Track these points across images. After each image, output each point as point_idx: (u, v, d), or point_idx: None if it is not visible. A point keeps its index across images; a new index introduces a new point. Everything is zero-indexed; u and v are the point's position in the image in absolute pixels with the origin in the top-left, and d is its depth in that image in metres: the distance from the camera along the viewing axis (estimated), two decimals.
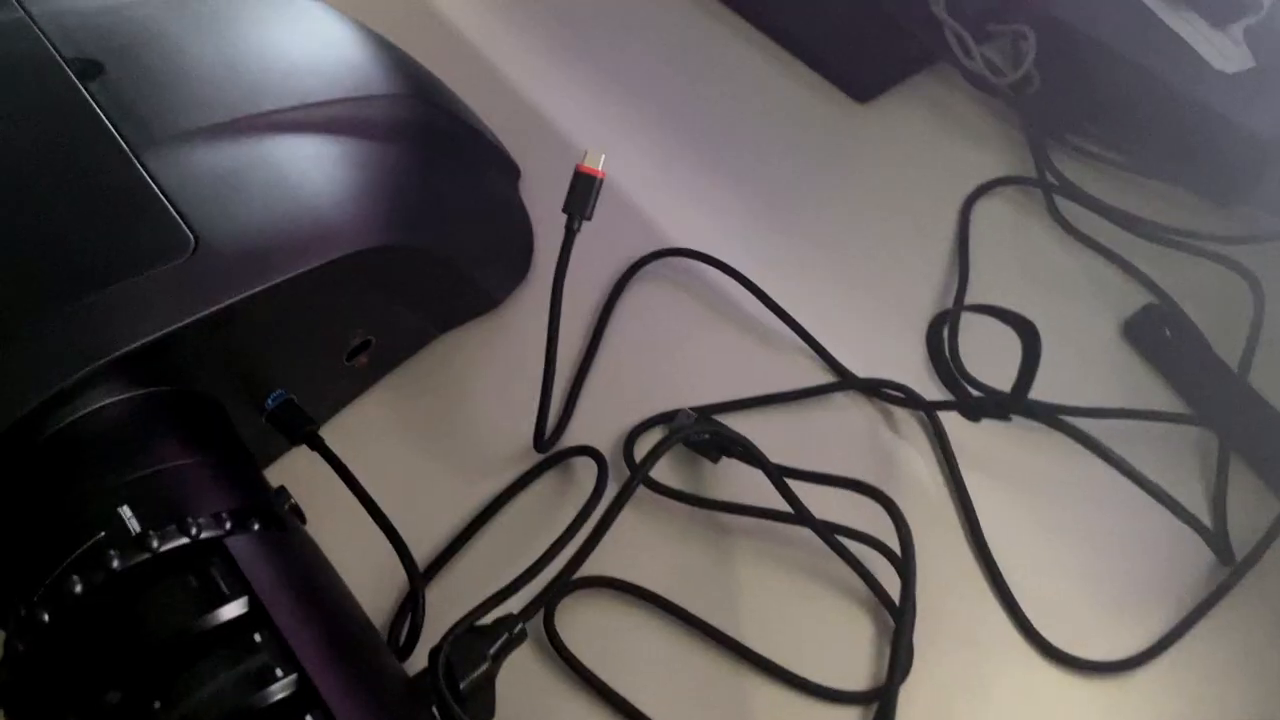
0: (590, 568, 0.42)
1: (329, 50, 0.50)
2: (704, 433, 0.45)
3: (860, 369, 0.49)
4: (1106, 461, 0.41)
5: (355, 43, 0.51)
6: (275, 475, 0.41)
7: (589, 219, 0.46)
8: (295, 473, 0.43)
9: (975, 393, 0.44)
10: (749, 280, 0.51)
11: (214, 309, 0.37)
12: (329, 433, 0.43)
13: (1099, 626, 0.43)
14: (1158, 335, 0.50)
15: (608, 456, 0.46)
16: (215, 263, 0.38)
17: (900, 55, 0.63)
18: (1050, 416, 0.44)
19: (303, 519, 0.39)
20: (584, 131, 0.59)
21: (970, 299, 0.52)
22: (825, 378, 0.49)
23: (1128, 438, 0.46)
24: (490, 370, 0.50)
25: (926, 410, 0.47)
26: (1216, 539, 0.44)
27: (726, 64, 0.63)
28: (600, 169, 0.45)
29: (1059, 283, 0.53)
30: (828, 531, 0.43)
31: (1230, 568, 0.44)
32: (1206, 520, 0.45)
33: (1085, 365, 0.50)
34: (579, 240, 0.46)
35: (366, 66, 0.50)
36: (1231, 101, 0.55)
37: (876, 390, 0.48)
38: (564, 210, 0.46)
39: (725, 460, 0.46)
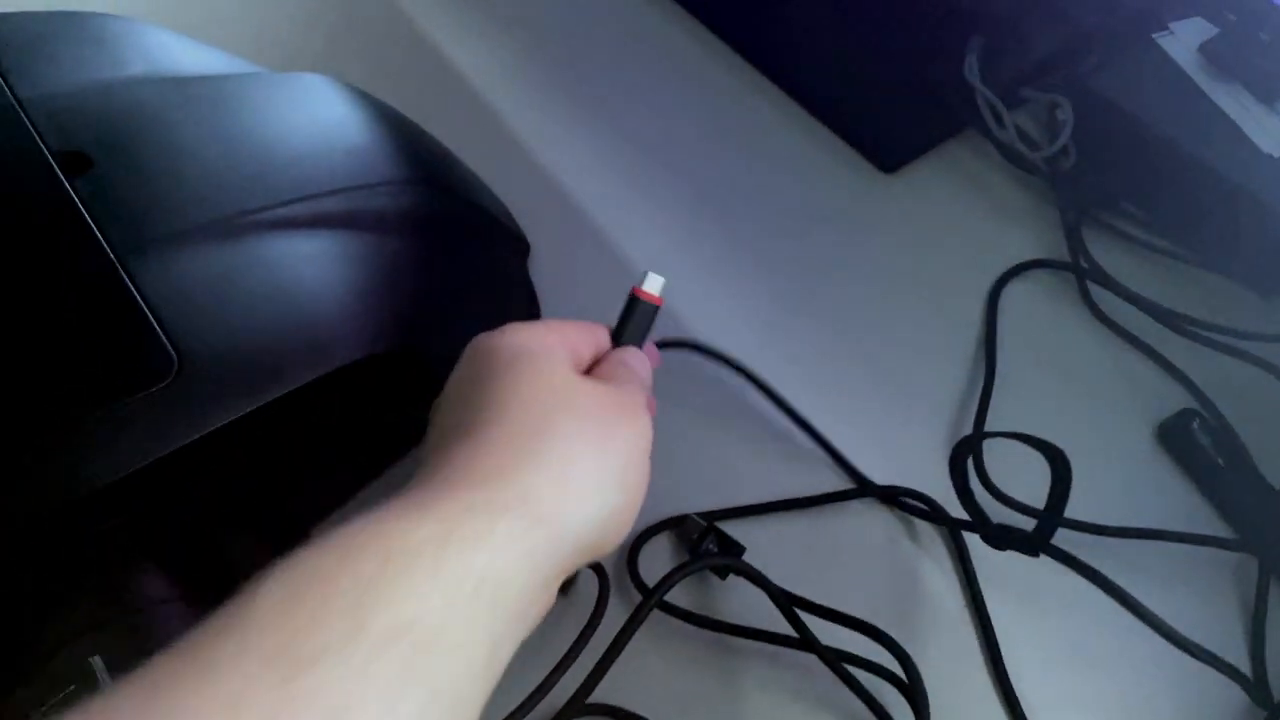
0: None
1: (335, 132, 0.48)
2: (720, 562, 0.43)
3: (879, 473, 0.47)
4: (1136, 615, 0.38)
5: (363, 123, 0.49)
6: None
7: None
8: None
9: (1005, 512, 0.42)
10: (760, 380, 0.49)
11: (195, 436, 0.35)
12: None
13: None
14: (1194, 443, 0.48)
15: (609, 564, 0.44)
16: (200, 385, 0.36)
17: (929, 123, 0.60)
18: (1078, 563, 0.40)
19: None
20: (598, 198, 0.57)
21: (998, 395, 0.49)
22: (842, 483, 0.47)
23: (1162, 557, 0.44)
24: None
25: (950, 526, 0.45)
26: (1255, 686, 0.41)
27: (748, 127, 0.60)
28: (659, 295, 0.39)
29: (1091, 379, 0.51)
30: (836, 660, 0.41)
31: (1267, 713, 0.41)
32: (1244, 655, 0.43)
33: (1117, 473, 0.48)
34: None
35: (374, 150, 0.48)
36: (1277, 188, 0.52)
37: (896, 499, 0.46)
38: (614, 342, 0.38)
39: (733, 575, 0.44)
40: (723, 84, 0.62)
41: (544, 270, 0.54)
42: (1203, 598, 0.44)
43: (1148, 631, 0.38)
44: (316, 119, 0.48)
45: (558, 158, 0.59)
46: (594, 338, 0.37)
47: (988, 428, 0.48)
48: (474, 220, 0.51)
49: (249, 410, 0.36)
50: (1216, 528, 0.46)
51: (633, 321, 0.39)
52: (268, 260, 0.41)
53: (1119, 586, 0.37)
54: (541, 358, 0.33)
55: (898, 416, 0.49)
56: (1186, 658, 0.40)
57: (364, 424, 0.43)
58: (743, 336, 0.52)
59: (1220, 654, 0.38)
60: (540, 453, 0.30)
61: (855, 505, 0.47)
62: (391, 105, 0.53)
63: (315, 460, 0.43)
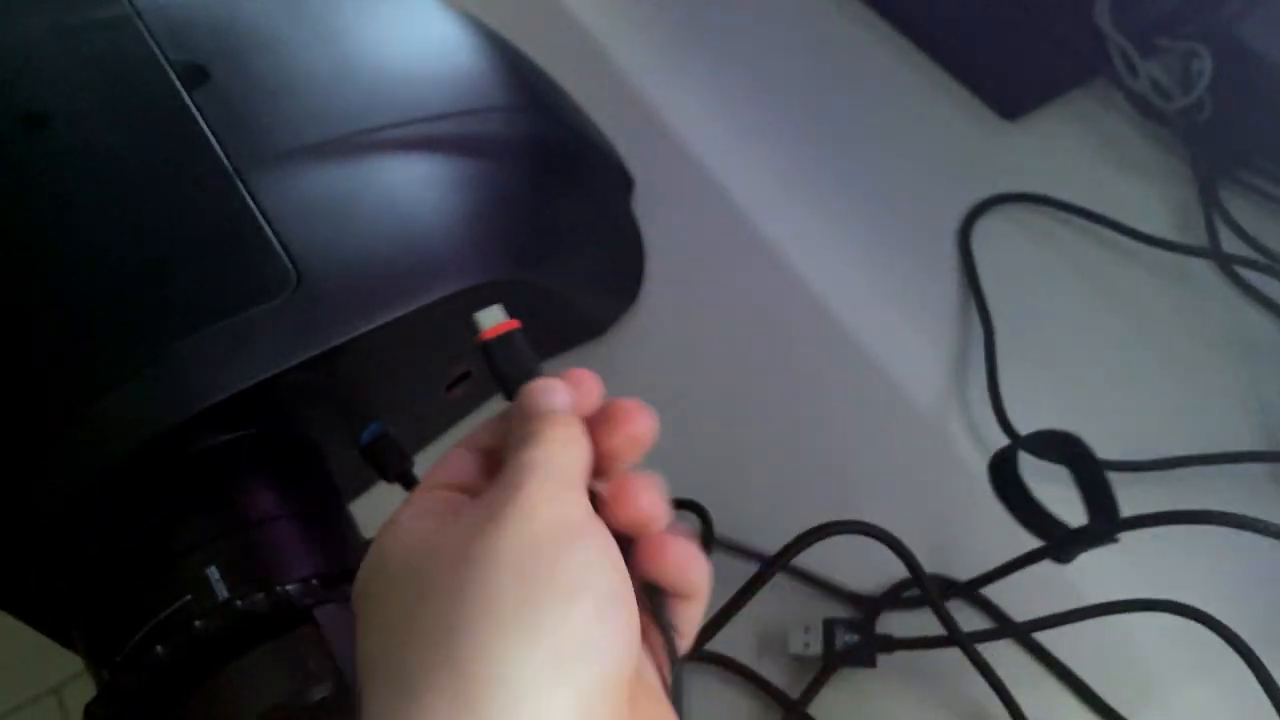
0: None
1: (445, 56, 0.46)
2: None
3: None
4: (1232, 525, 0.34)
5: (472, 47, 0.48)
6: (363, 509, 0.39)
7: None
8: (385, 509, 0.41)
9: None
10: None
11: (315, 352, 0.35)
12: (419, 466, 0.41)
13: None
14: None
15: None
16: (319, 302, 0.36)
17: (1056, 70, 0.57)
18: (1158, 516, 0.36)
19: None
20: (705, 135, 0.56)
21: (1116, 356, 0.47)
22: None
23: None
24: None
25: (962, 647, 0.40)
26: None
27: (866, 70, 0.58)
28: (507, 321, 0.31)
29: (1222, 344, 0.48)
30: None
31: None
32: None
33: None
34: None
35: (483, 75, 0.47)
36: None
37: None
38: (505, 396, 0.29)
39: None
40: (841, 26, 0.60)
41: (647, 208, 0.53)
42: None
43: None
44: (428, 42, 0.47)
45: (665, 93, 0.57)
46: (486, 437, 0.29)
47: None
48: (580, 152, 0.49)
49: (366, 329, 0.36)
50: None
51: (506, 367, 0.30)
52: (382, 180, 0.40)
53: (1213, 510, 0.34)
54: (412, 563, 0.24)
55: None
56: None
57: (466, 355, 0.43)
58: (850, 282, 0.50)
59: None
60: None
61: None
62: (496, 31, 0.51)
63: (422, 386, 0.42)
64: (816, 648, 0.41)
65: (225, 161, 0.38)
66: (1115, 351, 0.48)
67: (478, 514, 0.24)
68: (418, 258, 0.39)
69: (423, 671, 0.22)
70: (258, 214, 0.37)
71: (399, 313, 0.36)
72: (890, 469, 0.45)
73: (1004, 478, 0.37)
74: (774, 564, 0.38)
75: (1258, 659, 0.35)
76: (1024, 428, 0.45)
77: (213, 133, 0.39)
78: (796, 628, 0.41)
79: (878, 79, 0.58)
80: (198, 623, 0.31)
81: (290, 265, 0.36)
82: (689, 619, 0.26)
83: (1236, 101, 0.54)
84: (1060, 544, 0.37)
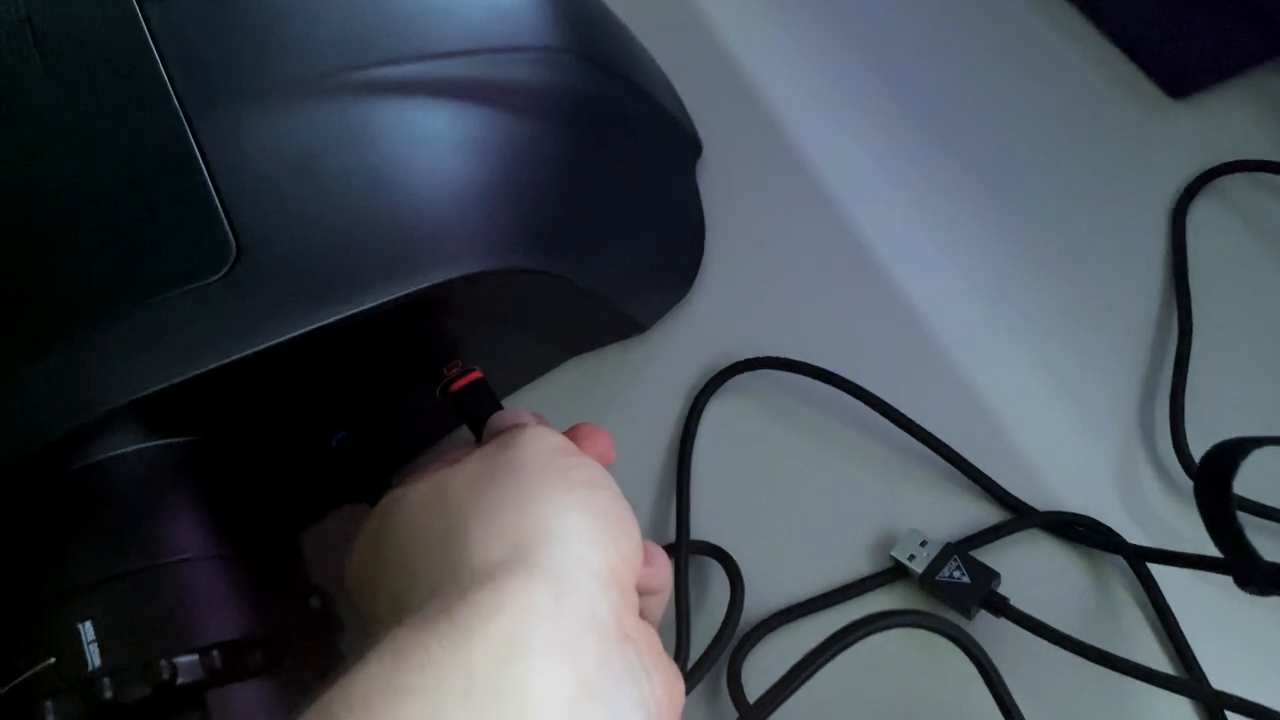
0: None
1: None
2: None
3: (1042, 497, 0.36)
4: None
5: None
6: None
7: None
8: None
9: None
10: (877, 399, 0.37)
11: (247, 351, 0.27)
12: None
13: None
14: None
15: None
16: (259, 285, 0.28)
17: (1237, 43, 0.46)
18: None
19: (338, 627, 0.30)
20: (792, 101, 0.46)
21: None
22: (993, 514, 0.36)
23: None
24: (621, 409, 0.39)
25: (1130, 558, 0.34)
26: None
27: (1002, 32, 0.48)
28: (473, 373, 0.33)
29: None
30: None
31: None
32: None
33: None
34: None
35: (521, 7, 0.38)
36: None
37: (1068, 530, 0.35)
38: (478, 440, 0.31)
39: None
40: None
41: (714, 179, 0.44)
42: None
43: None
44: None
45: (752, 46, 0.48)
46: None
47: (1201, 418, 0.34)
48: (639, 109, 0.41)
49: (319, 324, 0.28)
50: None
51: (476, 412, 0.32)
52: (369, 133, 0.32)
53: None
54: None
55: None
56: None
57: (469, 345, 0.35)
58: (955, 286, 0.41)
59: None
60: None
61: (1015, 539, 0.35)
62: None
63: (401, 396, 0.34)
64: (920, 565, 0.34)
65: (174, 97, 0.30)
66: None
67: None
68: (401, 235, 0.30)
69: (474, 546, 0.24)
70: (201, 166, 0.29)
71: (365, 306, 0.28)
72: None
73: (1222, 476, 0.28)
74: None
75: None
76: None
77: (163, 60, 0.31)
78: (914, 536, 0.34)
79: (1018, 42, 0.47)
80: (48, 703, 0.24)
81: (231, 235, 0.28)
82: (650, 613, 0.29)
83: None
84: (1264, 572, 0.28)
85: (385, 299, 0.29)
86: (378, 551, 0.26)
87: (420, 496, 0.26)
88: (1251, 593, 0.29)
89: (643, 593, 0.27)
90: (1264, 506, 0.34)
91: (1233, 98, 0.45)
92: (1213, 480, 0.28)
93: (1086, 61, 0.46)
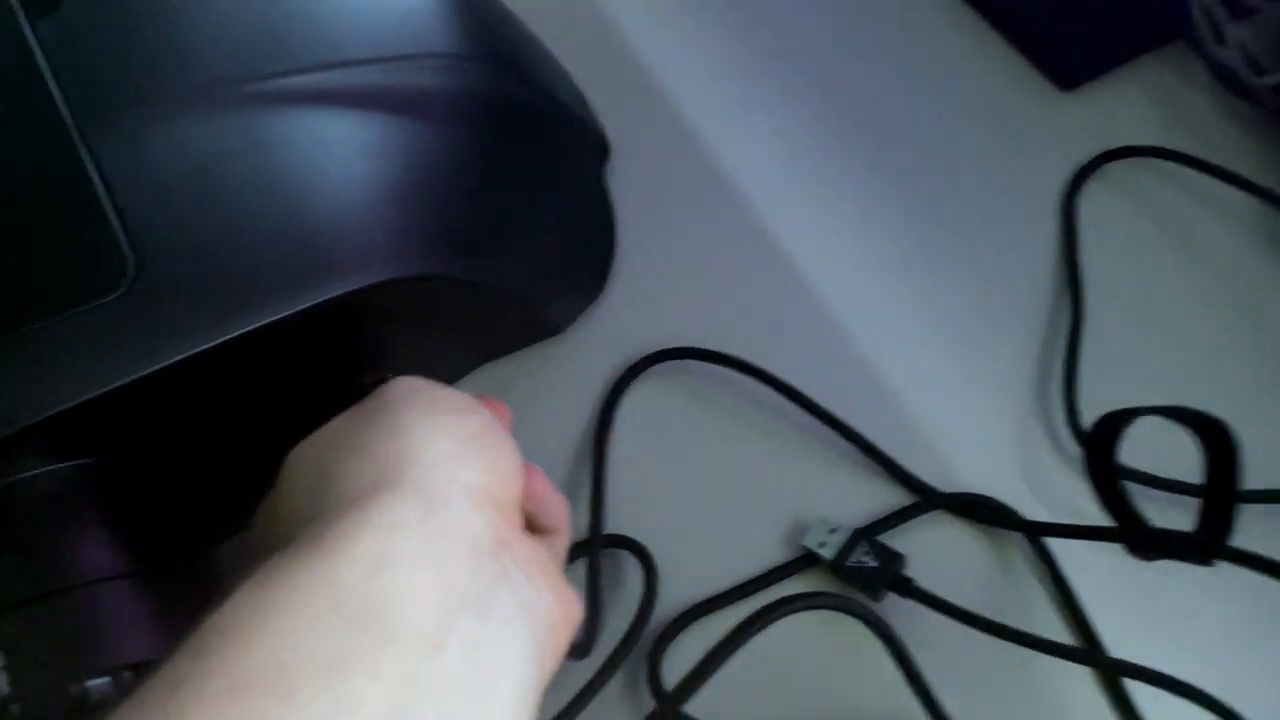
0: None
1: None
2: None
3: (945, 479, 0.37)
4: None
5: None
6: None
7: None
8: None
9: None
10: (781, 382, 0.39)
11: (150, 369, 0.27)
12: None
13: None
14: None
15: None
16: (160, 301, 0.28)
17: (1126, 33, 0.48)
18: (1267, 562, 0.30)
19: None
20: (701, 98, 0.47)
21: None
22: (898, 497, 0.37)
23: None
24: (539, 409, 0.39)
25: (1029, 534, 0.36)
26: None
27: (897, 29, 0.49)
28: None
29: None
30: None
31: None
32: None
33: None
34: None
35: (425, 14, 0.38)
36: None
37: (969, 510, 0.37)
38: None
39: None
40: None
41: (624, 180, 0.44)
42: None
43: None
44: None
45: (660, 47, 0.48)
46: None
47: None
48: (544, 113, 0.41)
49: (223, 339, 0.28)
50: None
51: None
52: (271, 142, 0.32)
53: None
54: None
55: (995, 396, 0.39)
56: None
57: (381, 353, 0.35)
58: (859, 273, 0.42)
59: None
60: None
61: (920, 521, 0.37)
62: None
63: (314, 407, 0.34)
64: (830, 552, 0.35)
65: (62, 108, 0.30)
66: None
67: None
68: (307, 245, 0.30)
69: (344, 480, 0.24)
70: (95, 179, 0.29)
71: (270, 318, 0.29)
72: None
73: (1105, 446, 0.30)
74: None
75: None
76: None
77: (53, 72, 0.31)
78: (824, 524, 0.36)
79: (912, 39, 0.49)
80: None
81: (129, 251, 0.28)
82: (553, 552, 0.29)
83: None
84: (1150, 538, 0.30)
85: (291, 310, 0.29)
86: (271, 516, 0.27)
87: (300, 452, 0.27)
88: (1141, 559, 0.30)
89: (538, 529, 0.28)
90: (1153, 476, 0.36)
91: (1118, 88, 0.47)
92: (1098, 451, 0.30)
93: (981, 58, 0.48)
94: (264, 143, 0.31)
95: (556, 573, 0.26)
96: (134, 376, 0.27)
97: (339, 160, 0.33)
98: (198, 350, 0.27)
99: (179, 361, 0.27)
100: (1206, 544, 0.29)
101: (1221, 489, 0.29)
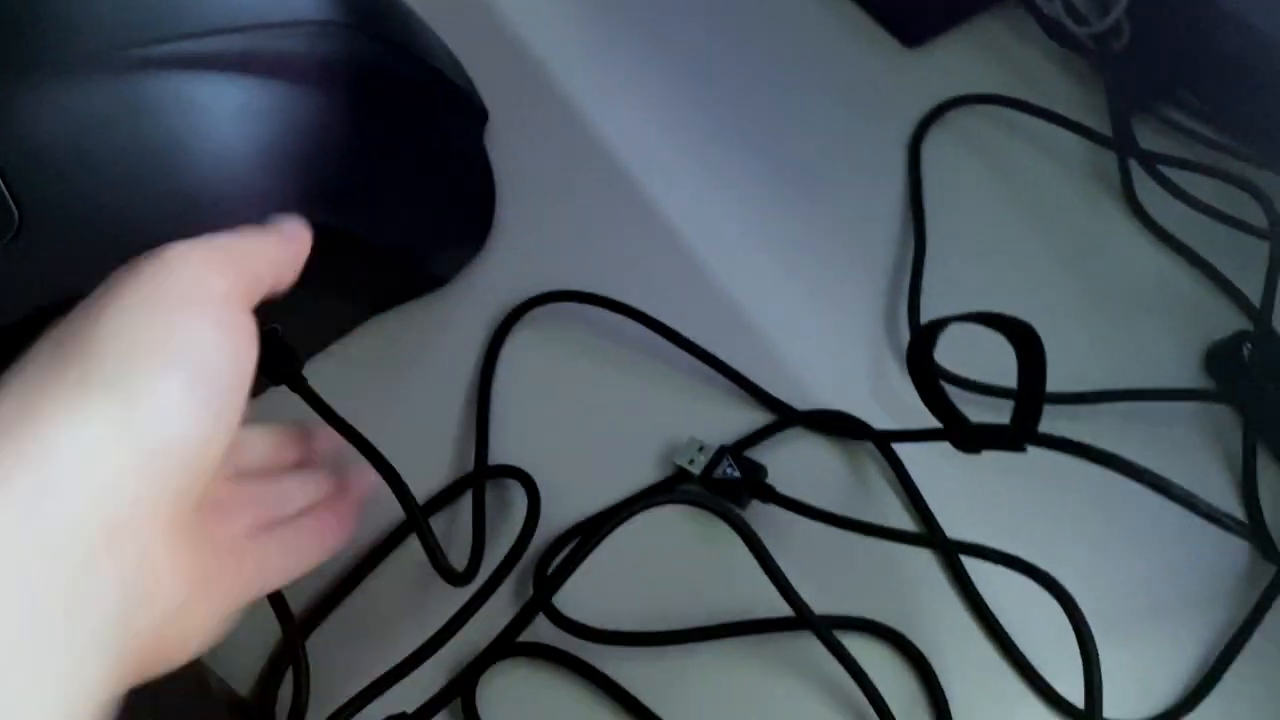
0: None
1: None
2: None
3: (804, 398, 0.41)
4: (1138, 480, 0.32)
5: None
6: None
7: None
8: None
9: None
10: (650, 317, 0.42)
11: (36, 307, 0.29)
12: None
13: (1135, 682, 0.36)
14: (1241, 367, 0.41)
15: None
16: (44, 250, 0.30)
17: None
18: (1071, 444, 0.34)
19: None
20: (570, 62, 0.50)
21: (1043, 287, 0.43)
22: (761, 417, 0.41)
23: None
24: (427, 357, 0.41)
25: (876, 441, 0.39)
26: (1257, 538, 0.37)
27: None
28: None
29: (1130, 292, 0.44)
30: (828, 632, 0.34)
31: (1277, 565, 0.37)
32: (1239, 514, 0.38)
33: (1163, 417, 0.41)
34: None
35: None
36: None
37: (824, 424, 0.40)
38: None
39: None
40: None
41: (503, 143, 0.47)
42: (1188, 458, 0.39)
43: (1126, 501, 0.32)
44: None
45: (531, 16, 0.51)
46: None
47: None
48: (420, 78, 0.43)
49: None
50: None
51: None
52: (151, 107, 0.33)
53: (1114, 454, 0.31)
54: None
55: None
56: (1182, 523, 0.34)
57: (271, 318, 0.37)
58: (721, 217, 0.45)
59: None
60: None
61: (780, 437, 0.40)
62: None
63: None
64: (698, 468, 0.38)
65: None
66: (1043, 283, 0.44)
67: None
68: (189, 203, 0.32)
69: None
70: None
71: None
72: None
73: (923, 352, 0.33)
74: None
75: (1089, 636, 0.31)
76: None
77: None
78: (693, 444, 0.39)
79: (768, 7, 0.52)
80: None
81: (12, 204, 0.30)
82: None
83: (1156, 27, 0.49)
84: (972, 433, 0.33)
85: None
86: None
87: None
88: (966, 452, 0.34)
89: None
90: (972, 381, 0.40)
91: (958, 44, 0.51)
92: (919, 356, 0.33)
93: (834, 19, 0.51)
94: (141, 109, 0.33)
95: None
96: (17, 318, 0.28)
97: (215, 124, 0.35)
98: (77, 293, 0.29)
99: (60, 303, 0.29)
100: (1018, 432, 0.32)
101: (1031, 383, 0.32)
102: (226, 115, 0.35)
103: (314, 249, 0.36)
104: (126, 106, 0.33)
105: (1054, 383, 0.31)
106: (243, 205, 0.34)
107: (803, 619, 0.34)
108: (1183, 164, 0.45)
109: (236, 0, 0.37)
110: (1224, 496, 0.39)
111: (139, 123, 0.33)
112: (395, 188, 0.40)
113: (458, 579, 0.34)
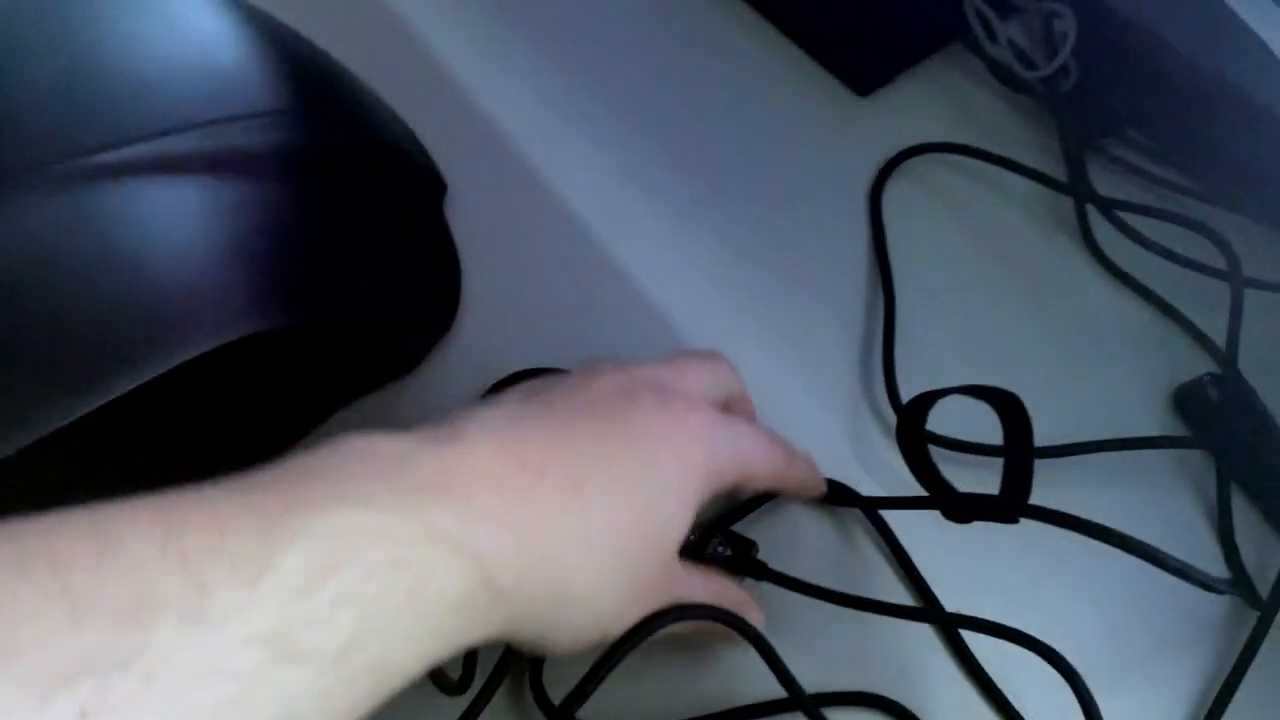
0: None
1: (195, 52, 0.38)
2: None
3: None
4: (1127, 550, 0.32)
5: (232, 38, 0.40)
6: None
7: None
8: None
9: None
10: None
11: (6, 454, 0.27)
12: None
13: None
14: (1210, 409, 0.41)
15: None
16: (5, 385, 0.28)
17: (909, 37, 0.52)
18: (1057, 515, 0.34)
19: None
20: (528, 128, 0.49)
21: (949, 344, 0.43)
22: None
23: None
24: None
25: (865, 509, 0.39)
26: (1242, 588, 0.38)
27: (704, 48, 0.52)
28: None
29: (1096, 336, 0.44)
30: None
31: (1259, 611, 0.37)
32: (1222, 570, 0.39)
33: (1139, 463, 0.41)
34: None
35: (245, 73, 0.39)
36: None
37: None
38: None
39: None
40: (676, 1, 0.54)
41: (463, 213, 0.46)
42: (1166, 504, 0.40)
43: (1117, 558, 0.31)
44: (176, 33, 0.39)
45: (482, 81, 0.50)
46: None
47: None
48: (375, 157, 0.42)
49: (77, 416, 0.28)
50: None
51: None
52: (105, 216, 0.32)
53: (1107, 527, 0.31)
54: None
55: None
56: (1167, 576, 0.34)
57: (238, 421, 0.36)
58: (691, 281, 0.45)
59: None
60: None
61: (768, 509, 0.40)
62: (274, 16, 0.44)
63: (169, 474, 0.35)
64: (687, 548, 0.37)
65: None
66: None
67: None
68: (150, 315, 0.31)
69: None
70: None
71: (122, 389, 0.29)
72: None
73: (914, 426, 0.33)
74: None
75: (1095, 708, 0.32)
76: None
77: None
78: None
79: (720, 58, 0.52)
80: None
81: None
82: None
83: (1103, 67, 0.50)
84: (962, 503, 0.33)
85: (144, 378, 0.30)
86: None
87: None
88: (955, 521, 0.34)
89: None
90: (964, 442, 0.40)
91: (909, 90, 0.51)
92: (908, 430, 0.33)
93: (786, 71, 0.51)
94: (95, 217, 0.32)
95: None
96: None
97: (174, 229, 0.33)
98: (56, 427, 0.28)
99: (35, 444, 0.28)
100: (1009, 504, 0.32)
101: (1018, 454, 0.33)
102: (185, 219, 0.34)
103: (274, 348, 0.35)
104: (80, 220, 0.32)
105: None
106: (207, 310, 0.33)
107: (799, 702, 0.33)
108: (1141, 210, 0.45)
109: (186, 98, 0.36)
110: (1201, 538, 0.40)
111: (98, 234, 0.32)
112: (359, 273, 0.39)
113: (453, 688, 0.33)
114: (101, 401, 0.29)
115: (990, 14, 0.50)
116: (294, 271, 0.36)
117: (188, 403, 0.34)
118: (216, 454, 0.33)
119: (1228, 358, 0.42)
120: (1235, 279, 0.42)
